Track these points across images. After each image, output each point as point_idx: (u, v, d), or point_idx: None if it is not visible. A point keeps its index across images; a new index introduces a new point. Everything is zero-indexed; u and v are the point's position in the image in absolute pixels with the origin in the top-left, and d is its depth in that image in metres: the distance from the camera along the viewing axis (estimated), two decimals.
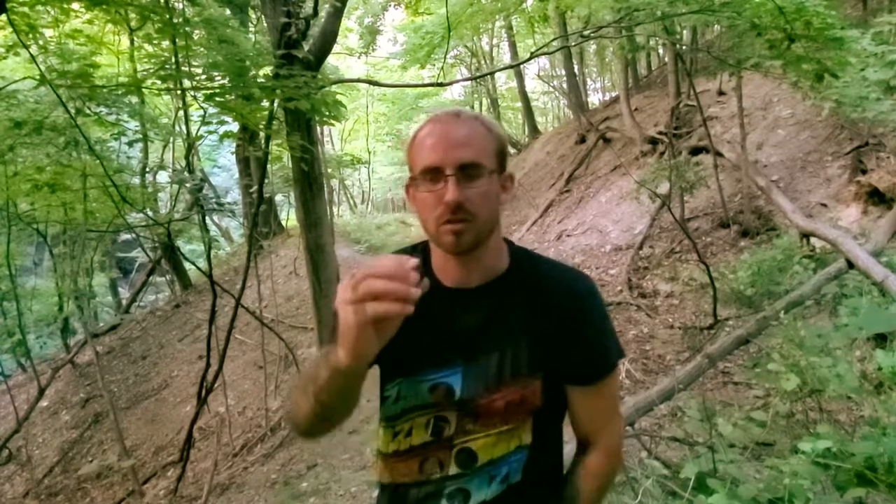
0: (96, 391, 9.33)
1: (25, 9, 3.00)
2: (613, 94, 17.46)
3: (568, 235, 9.69)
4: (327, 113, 3.85)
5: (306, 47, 4.69)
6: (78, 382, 9.77)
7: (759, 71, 5.29)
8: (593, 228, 9.32)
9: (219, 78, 3.14)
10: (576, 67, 15.96)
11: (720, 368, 4.68)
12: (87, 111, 4.24)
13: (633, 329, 5.96)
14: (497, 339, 1.03)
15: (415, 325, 0.83)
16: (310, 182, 5.08)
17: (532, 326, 1.03)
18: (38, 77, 2.74)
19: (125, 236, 13.11)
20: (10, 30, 3.30)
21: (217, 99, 3.13)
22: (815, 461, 2.28)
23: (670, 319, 6.07)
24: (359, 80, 7.82)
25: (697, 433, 2.88)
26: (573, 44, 9.36)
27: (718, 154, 7.90)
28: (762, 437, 2.98)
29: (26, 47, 3.00)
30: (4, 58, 4.19)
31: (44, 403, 9.13)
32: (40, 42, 4.68)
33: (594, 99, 21.62)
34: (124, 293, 16.16)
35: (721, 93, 10.35)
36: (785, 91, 9.03)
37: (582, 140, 13.53)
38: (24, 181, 4.26)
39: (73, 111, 4.07)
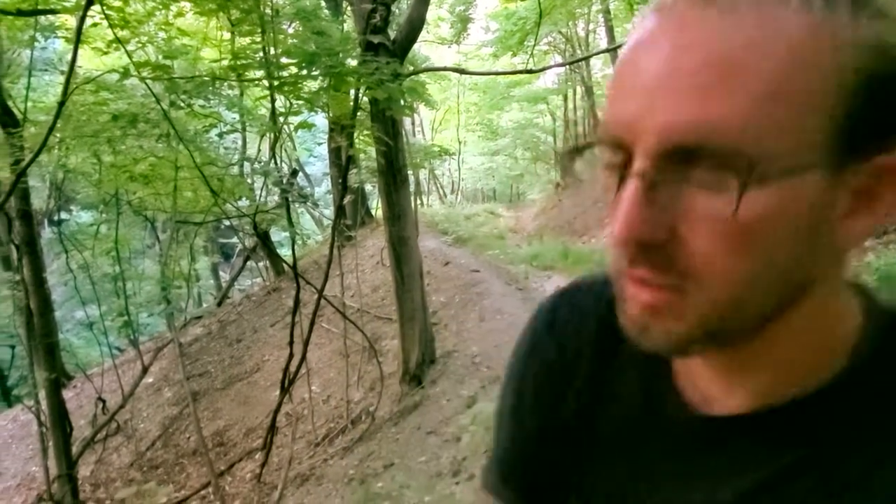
0: (196, 370, 9.88)
1: (118, 2, 3.06)
2: None
3: None
4: (404, 103, 3.69)
5: (392, 35, 4.56)
6: (181, 361, 10.34)
7: None
8: None
9: (294, 68, 3.07)
10: None
11: None
12: (181, 104, 4.34)
13: None
14: None
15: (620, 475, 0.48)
16: (393, 174, 4.98)
17: None
18: (121, 70, 2.78)
19: (227, 222, 13.74)
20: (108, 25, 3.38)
21: (286, 89, 3.06)
22: None
23: None
24: (445, 69, 7.68)
25: None
26: None
27: None
28: None
29: (119, 40, 3.05)
30: (106, 52, 4.38)
31: (149, 380, 9.72)
32: (143, 38, 4.88)
33: None
34: (225, 276, 17.08)
35: None
36: None
37: None
38: (120, 172, 4.42)
39: (167, 103, 4.16)
